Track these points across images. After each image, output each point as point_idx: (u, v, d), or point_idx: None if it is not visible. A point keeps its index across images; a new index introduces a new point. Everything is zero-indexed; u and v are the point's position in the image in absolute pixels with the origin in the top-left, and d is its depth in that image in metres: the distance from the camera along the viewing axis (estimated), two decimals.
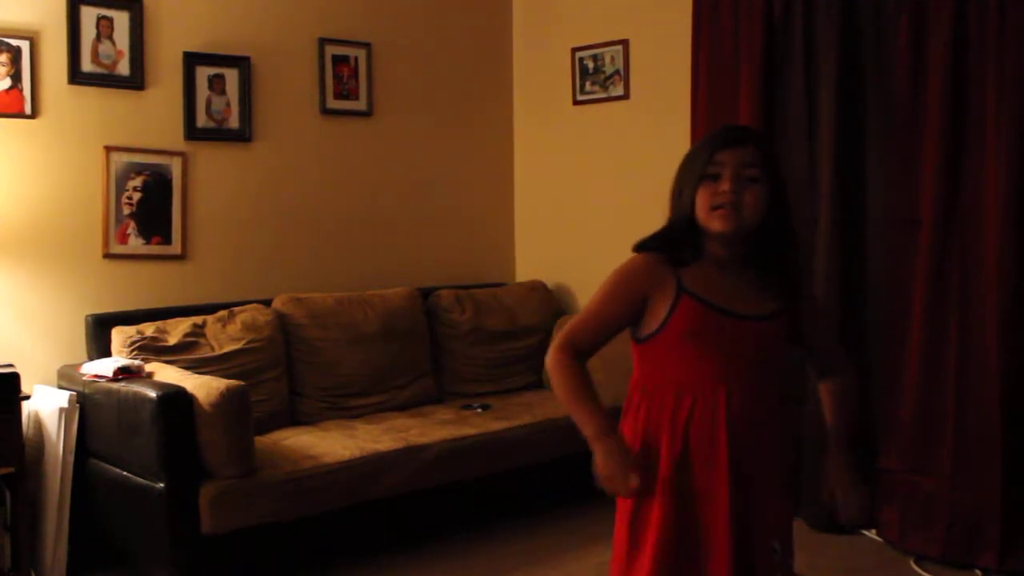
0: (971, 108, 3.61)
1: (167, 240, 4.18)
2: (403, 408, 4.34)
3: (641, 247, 2.01)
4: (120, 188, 4.04)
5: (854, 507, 2.11)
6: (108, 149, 4.01)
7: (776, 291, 2.00)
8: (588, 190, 5.02)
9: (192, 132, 4.24)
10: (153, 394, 3.24)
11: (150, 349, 3.74)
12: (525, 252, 5.46)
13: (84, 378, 3.58)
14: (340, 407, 4.21)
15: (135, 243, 4.10)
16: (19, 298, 3.82)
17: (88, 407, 3.55)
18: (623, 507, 2.02)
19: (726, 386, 1.95)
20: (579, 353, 2.01)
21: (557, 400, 2.03)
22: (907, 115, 3.77)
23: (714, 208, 1.91)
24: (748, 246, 1.99)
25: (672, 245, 1.97)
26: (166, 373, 3.55)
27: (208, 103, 4.29)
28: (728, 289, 1.97)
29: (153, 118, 4.15)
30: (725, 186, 1.91)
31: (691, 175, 1.96)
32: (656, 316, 1.96)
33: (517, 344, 4.85)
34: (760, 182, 1.93)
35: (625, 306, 1.99)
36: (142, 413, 3.27)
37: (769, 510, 1.99)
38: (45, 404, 3.58)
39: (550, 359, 2.02)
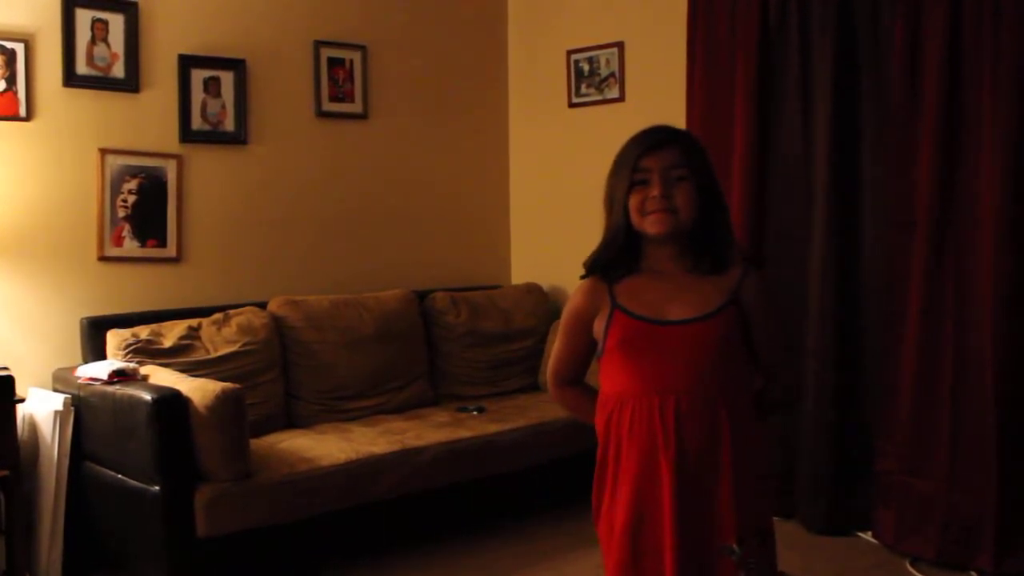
0: (967, 109, 3.61)
1: (162, 243, 4.17)
2: (399, 411, 4.33)
3: (586, 271, 2.11)
4: (115, 191, 4.04)
5: None
6: (103, 152, 4.00)
7: (722, 285, 2.02)
8: (583, 192, 4.98)
9: (187, 135, 4.24)
10: (148, 397, 3.24)
11: (145, 352, 3.73)
12: (520, 254, 5.46)
13: (79, 381, 3.57)
14: (336, 410, 4.20)
15: (130, 246, 4.09)
16: (14, 301, 3.81)
17: (83, 410, 3.55)
18: (595, 507, 2.13)
19: (659, 394, 1.98)
20: (570, 382, 2.21)
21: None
22: (903, 116, 3.77)
23: (648, 213, 1.97)
24: (692, 243, 2.02)
25: (608, 264, 2.06)
26: (161, 376, 3.54)
27: (203, 106, 4.28)
28: (664, 295, 2.02)
29: (148, 121, 4.14)
30: (655, 191, 1.96)
31: (620, 183, 2.01)
32: (600, 334, 2.07)
33: (513, 346, 4.85)
34: (688, 179, 1.98)
35: (580, 337, 2.13)
36: (137, 416, 3.26)
37: (725, 512, 1.97)
38: (40, 407, 3.57)
39: (550, 394, 2.28)
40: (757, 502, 2.05)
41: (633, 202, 1.98)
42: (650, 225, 1.98)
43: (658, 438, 1.97)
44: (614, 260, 2.05)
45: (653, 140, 2.00)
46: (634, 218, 1.99)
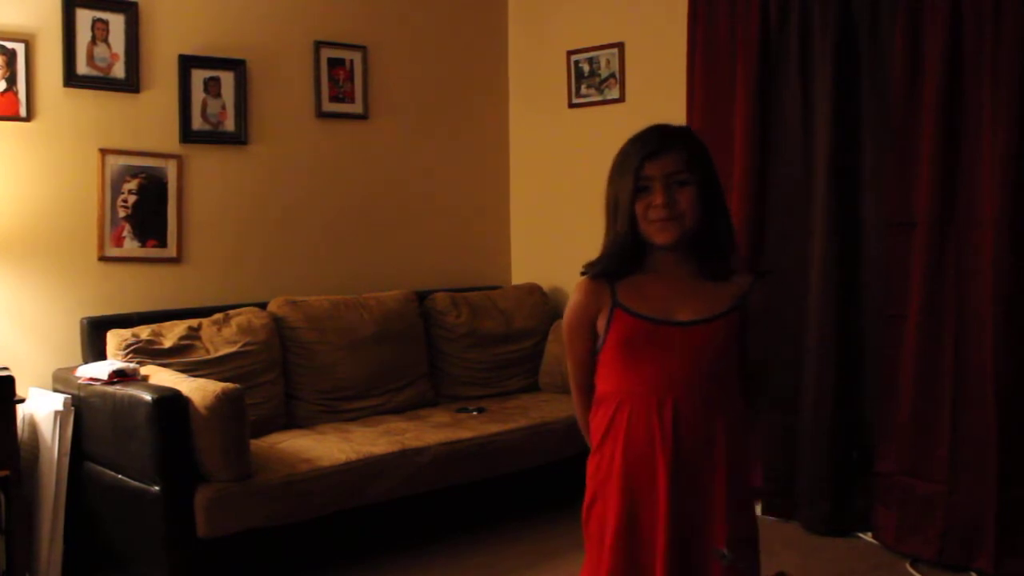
0: (967, 109, 3.61)
1: (162, 243, 4.17)
2: (399, 411, 4.33)
3: (586, 269, 2.09)
4: (115, 191, 4.04)
5: None
6: (103, 152, 4.00)
7: (729, 290, 2.02)
8: (583, 193, 5.01)
9: (188, 135, 4.24)
10: (148, 397, 3.24)
11: (145, 352, 3.73)
12: (521, 255, 5.46)
13: (79, 381, 3.57)
14: (336, 410, 4.20)
15: (130, 246, 4.09)
16: (14, 301, 3.81)
17: (83, 410, 3.55)
18: (586, 508, 2.11)
19: (659, 395, 1.98)
20: (591, 389, 2.13)
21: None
22: (903, 118, 3.77)
23: (652, 221, 1.96)
24: (696, 247, 2.01)
25: (610, 266, 2.03)
26: (161, 376, 3.54)
27: (204, 106, 4.28)
28: (669, 296, 2.01)
29: (148, 121, 4.14)
30: (658, 200, 1.95)
31: (624, 190, 1.98)
32: (601, 332, 2.06)
33: (513, 347, 4.84)
34: (689, 183, 1.96)
35: (585, 340, 2.10)
36: (137, 416, 3.26)
37: (717, 515, 1.97)
38: (40, 407, 3.57)
39: (574, 404, 2.22)
40: (747, 506, 2.06)
41: (639, 209, 1.97)
42: (655, 234, 1.97)
43: (655, 439, 1.97)
44: (614, 263, 2.04)
45: (654, 146, 1.97)
46: (641, 224, 1.98)
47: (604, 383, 2.08)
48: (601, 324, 2.05)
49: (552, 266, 5.23)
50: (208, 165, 4.32)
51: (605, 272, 2.05)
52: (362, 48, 4.80)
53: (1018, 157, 3.48)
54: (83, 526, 3.58)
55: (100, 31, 3.98)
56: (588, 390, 2.14)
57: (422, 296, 4.73)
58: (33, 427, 3.57)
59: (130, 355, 3.70)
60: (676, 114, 4.40)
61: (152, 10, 4.13)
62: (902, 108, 3.77)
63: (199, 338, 3.91)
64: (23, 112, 3.81)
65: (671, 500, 1.95)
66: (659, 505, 1.96)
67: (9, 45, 3.77)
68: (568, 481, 4.13)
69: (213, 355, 3.88)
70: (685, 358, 1.98)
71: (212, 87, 4.30)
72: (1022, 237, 3.50)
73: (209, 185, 4.31)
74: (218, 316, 4.04)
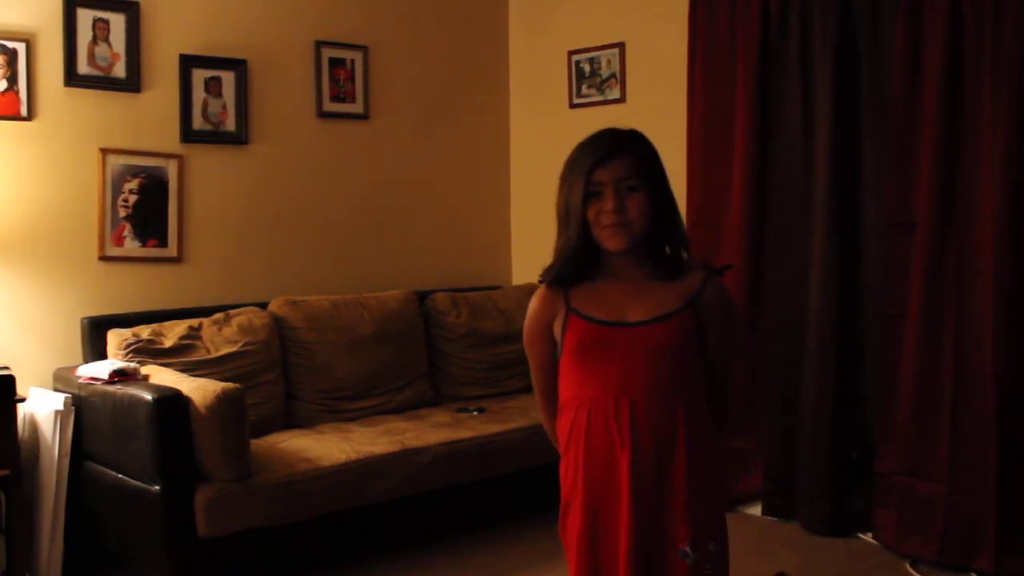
0: (967, 111, 3.61)
1: (163, 243, 4.17)
2: (399, 411, 4.33)
3: (542, 276, 2.11)
4: (116, 190, 4.04)
5: None
6: (104, 151, 4.00)
7: (682, 289, 2.01)
8: None
9: (188, 135, 4.24)
10: (149, 397, 3.24)
11: (146, 352, 3.73)
12: (521, 255, 5.46)
13: (80, 380, 3.58)
14: (336, 410, 4.20)
15: (131, 245, 4.09)
16: (15, 300, 3.81)
17: (84, 410, 3.55)
18: (561, 516, 2.10)
19: (616, 396, 1.97)
20: (553, 394, 2.15)
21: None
22: (903, 118, 3.77)
23: (603, 227, 1.96)
24: (649, 249, 2.02)
25: (563, 272, 2.04)
26: (162, 376, 3.54)
27: (204, 105, 4.28)
28: (623, 298, 2.01)
29: (149, 120, 4.14)
30: (609, 205, 1.95)
31: (575, 195, 1.98)
32: (558, 338, 2.07)
33: (513, 347, 4.83)
34: (640, 189, 1.97)
35: (544, 347, 2.13)
36: (138, 416, 3.26)
37: (680, 515, 1.96)
38: (41, 406, 3.57)
39: (539, 412, 2.27)
40: (713, 506, 2.05)
41: (590, 214, 1.97)
42: (607, 239, 1.97)
43: (614, 440, 1.96)
44: (566, 269, 2.04)
45: (604, 151, 1.98)
46: (593, 229, 1.98)
47: (565, 389, 2.08)
48: (557, 330, 2.06)
49: None
50: (209, 165, 4.32)
51: (559, 278, 2.06)
52: (363, 48, 4.80)
53: (1018, 157, 3.48)
54: (83, 526, 3.58)
55: (101, 30, 3.99)
56: (552, 396, 2.16)
57: (422, 296, 4.73)
58: (33, 426, 3.58)
59: (130, 355, 3.70)
60: (676, 113, 4.41)
61: (153, 10, 4.13)
62: (902, 108, 3.77)
63: (200, 338, 3.92)
64: (24, 111, 3.81)
65: (633, 500, 1.94)
66: (622, 506, 1.95)
67: (10, 44, 3.77)
68: None
69: (213, 355, 3.88)
70: (640, 359, 1.97)
71: (213, 87, 4.31)
72: (1022, 237, 3.50)
73: (210, 185, 4.32)
74: (218, 316, 4.04)
